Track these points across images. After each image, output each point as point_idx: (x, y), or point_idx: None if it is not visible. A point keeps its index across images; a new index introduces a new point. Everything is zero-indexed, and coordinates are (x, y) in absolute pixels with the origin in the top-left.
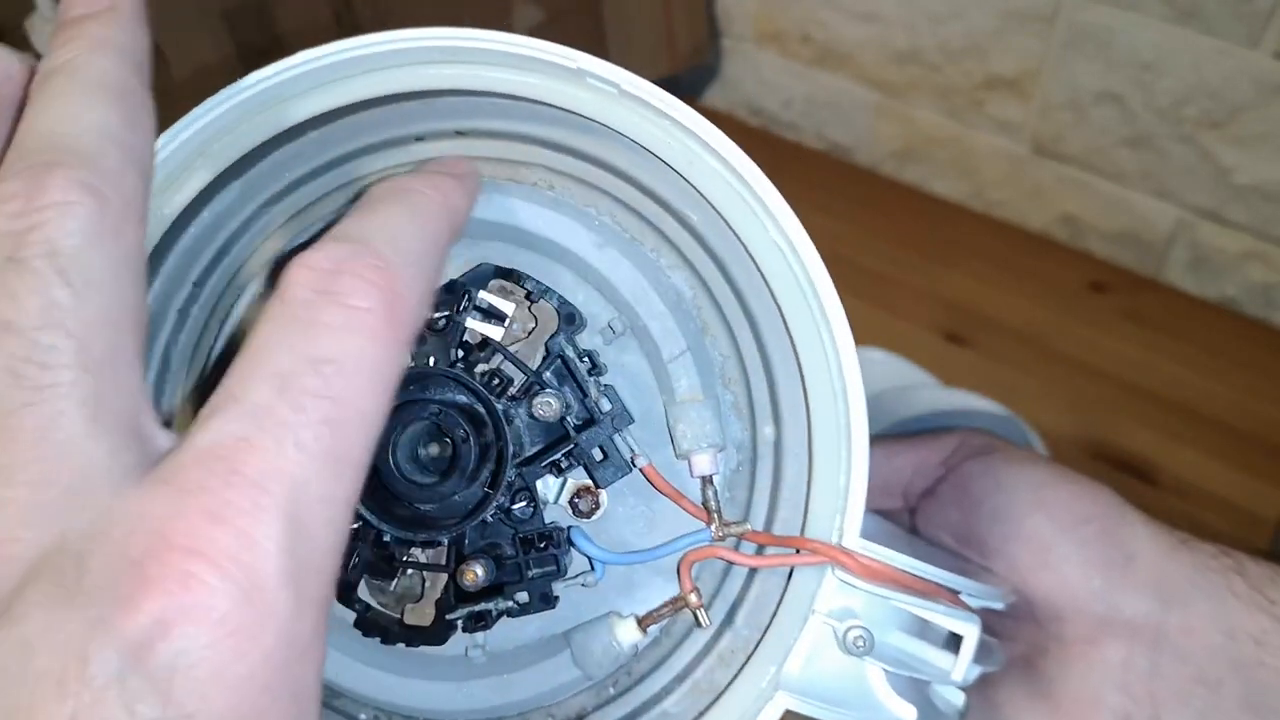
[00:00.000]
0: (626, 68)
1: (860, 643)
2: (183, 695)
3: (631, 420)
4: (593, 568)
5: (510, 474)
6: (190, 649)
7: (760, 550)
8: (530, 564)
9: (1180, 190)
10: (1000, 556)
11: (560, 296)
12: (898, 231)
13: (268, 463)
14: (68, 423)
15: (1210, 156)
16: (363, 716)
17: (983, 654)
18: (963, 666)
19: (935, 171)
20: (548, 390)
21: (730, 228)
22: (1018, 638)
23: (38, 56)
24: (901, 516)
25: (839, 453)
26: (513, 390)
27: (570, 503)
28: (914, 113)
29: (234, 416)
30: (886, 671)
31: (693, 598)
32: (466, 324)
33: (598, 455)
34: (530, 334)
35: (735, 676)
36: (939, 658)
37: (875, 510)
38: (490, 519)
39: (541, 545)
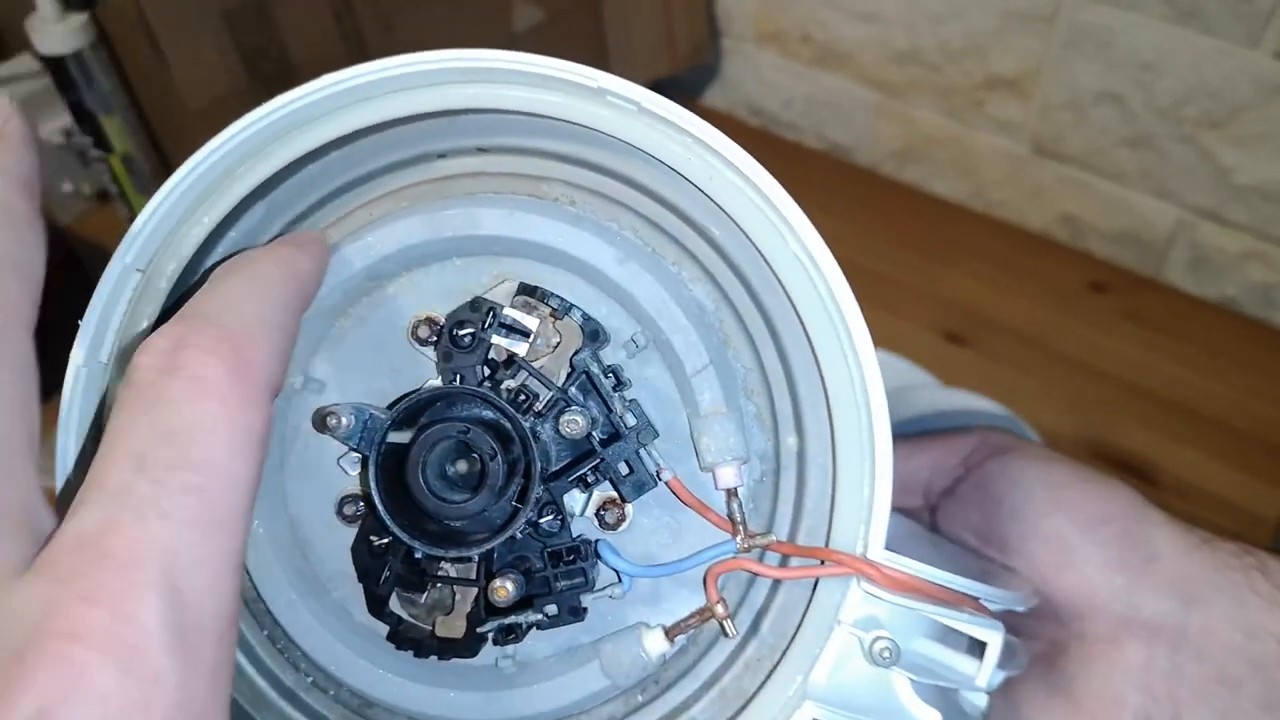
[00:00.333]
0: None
1: (886, 654)
2: None
3: (656, 434)
4: (620, 580)
5: (538, 489)
6: None
7: (785, 561)
8: (559, 577)
9: (1180, 190)
10: (1021, 556)
11: (584, 312)
12: (898, 231)
13: (135, 540)
14: None
15: (1210, 156)
16: None
17: (1006, 658)
18: (987, 673)
19: (935, 171)
20: (574, 407)
21: (750, 241)
22: (1039, 636)
23: (38, 57)
24: (922, 514)
25: (863, 464)
26: (538, 406)
27: (596, 515)
28: (914, 113)
29: (99, 502)
30: (912, 680)
31: (719, 609)
32: (492, 340)
33: (623, 469)
34: (555, 349)
35: (762, 685)
36: (964, 664)
37: (896, 509)
38: (519, 534)
39: (569, 559)
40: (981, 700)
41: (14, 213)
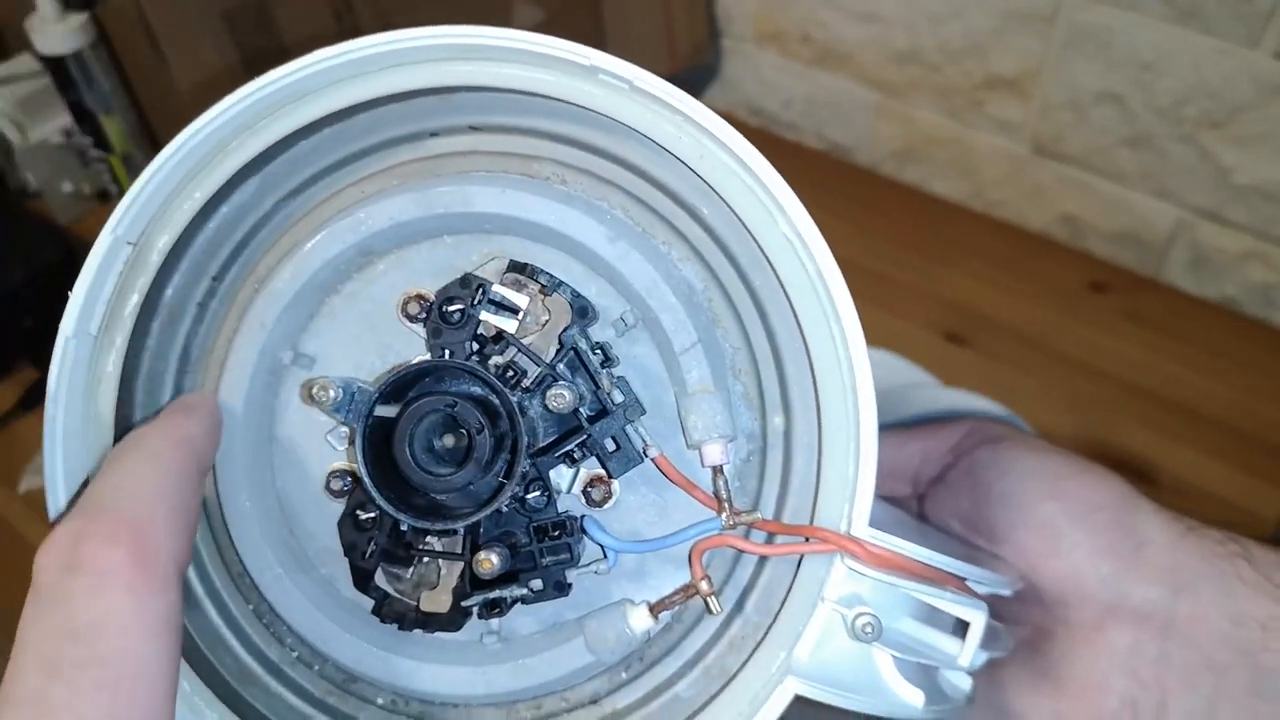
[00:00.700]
0: None
1: (869, 629)
2: None
3: (643, 411)
4: (605, 556)
5: (525, 464)
6: None
7: (770, 539)
8: (544, 552)
9: (1180, 190)
10: (1009, 543)
11: (573, 290)
12: (898, 231)
13: None
14: None
15: (1210, 156)
16: (380, 700)
17: (990, 640)
18: (969, 652)
19: (935, 171)
20: (561, 382)
21: (741, 221)
22: (1025, 623)
23: (38, 56)
24: (909, 503)
25: (848, 443)
26: (526, 382)
27: (583, 492)
28: (914, 113)
29: (14, 715)
30: (895, 657)
31: (704, 585)
32: (481, 317)
33: (610, 446)
34: (544, 327)
35: (746, 662)
36: (947, 644)
37: (884, 497)
38: (505, 508)
39: (555, 534)
40: (965, 683)
41: (192, 514)
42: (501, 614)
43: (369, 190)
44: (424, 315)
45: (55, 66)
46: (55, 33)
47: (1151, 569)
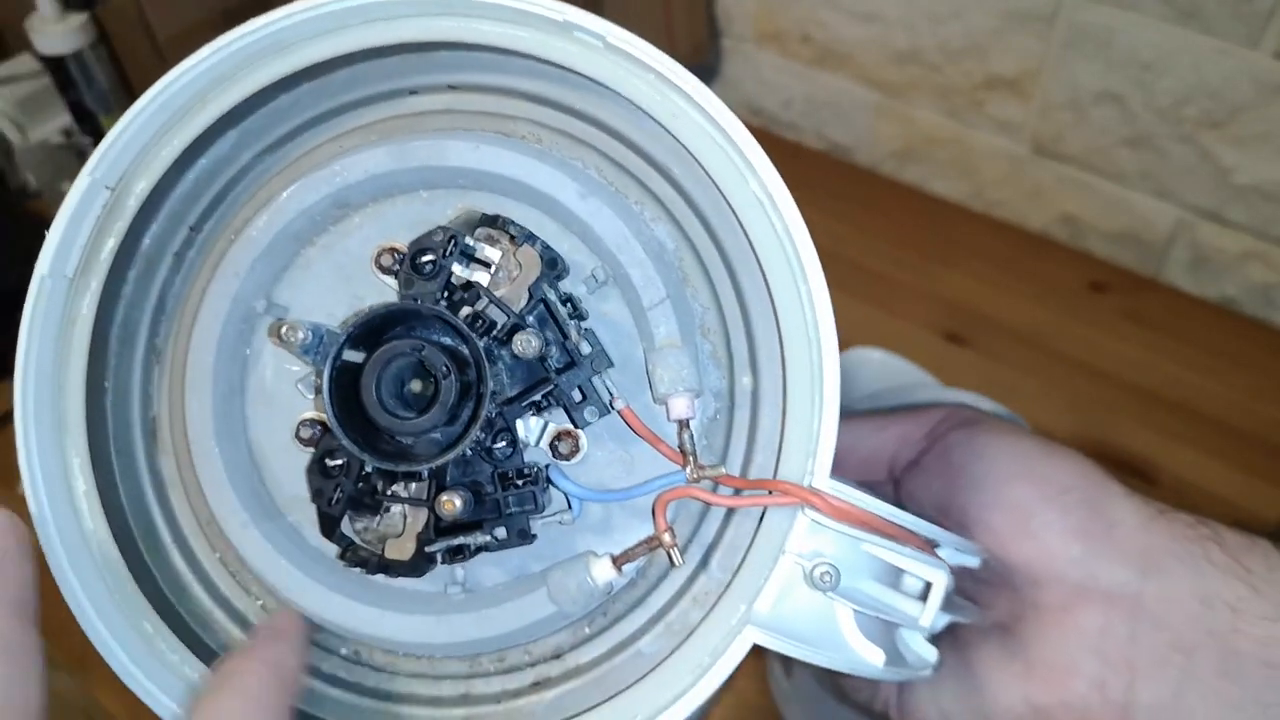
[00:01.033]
0: None
1: (826, 578)
2: None
3: (611, 364)
4: (570, 505)
5: (491, 411)
6: None
7: (735, 494)
8: (509, 501)
9: (1180, 190)
10: (980, 525)
11: (544, 242)
12: (898, 231)
13: None
14: None
15: (1210, 156)
16: (344, 650)
17: (952, 604)
18: (931, 612)
19: (935, 171)
20: (528, 329)
21: (711, 179)
22: (995, 606)
23: (38, 56)
24: (886, 489)
25: (812, 398)
26: (496, 332)
27: (551, 445)
28: (914, 113)
29: None
30: (857, 614)
31: (666, 537)
32: (453, 269)
33: (577, 397)
34: (515, 280)
35: (707, 615)
36: (908, 604)
37: (861, 483)
38: (469, 453)
39: (520, 482)
40: (930, 654)
41: (14, 649)
42: (464, 559)
43: (347, 146)
44: (397, 267)
45: (55, 66)
46: (55, 33)
47: (1122, 550)
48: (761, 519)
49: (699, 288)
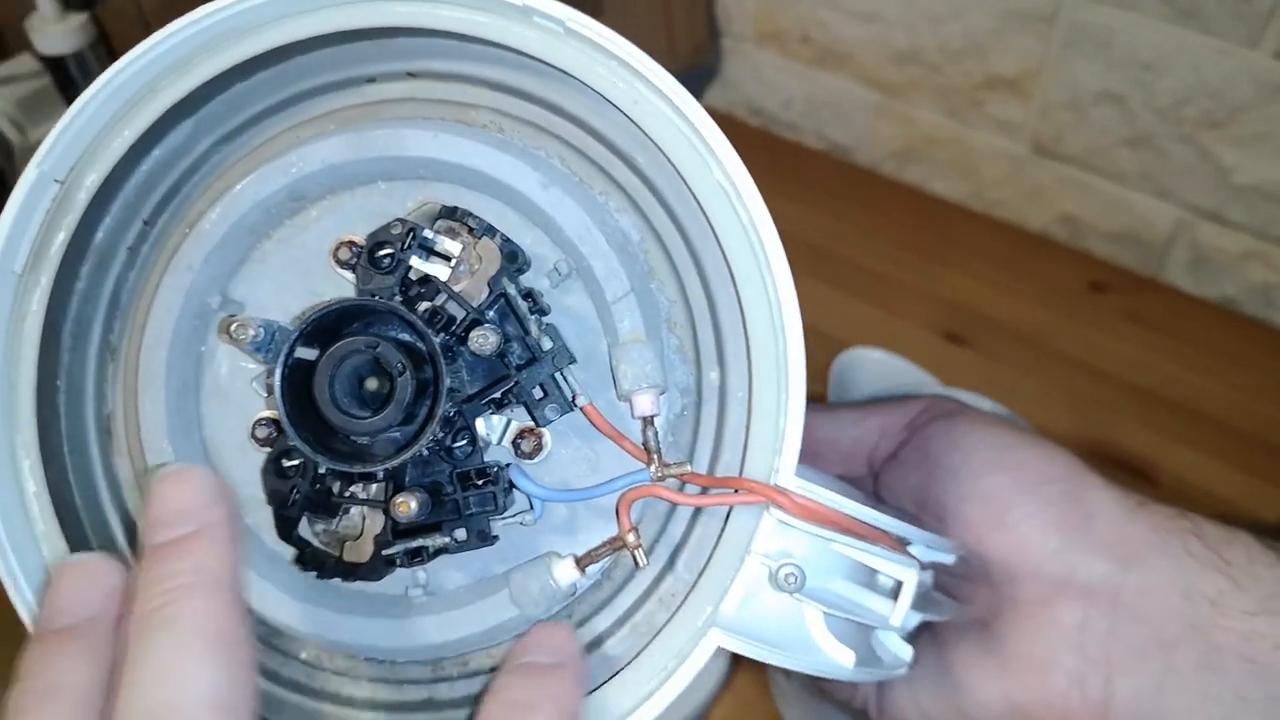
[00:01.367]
0: None
1: (791, 579)
2: None
3: (573, 359)
4: (532, 506)
5: (449, 409)
6: None
7: (703, 494)
8: (469, 502)
9: (1180, 190)
10: (958, 517)
11: (504, 235)
12: (898, 231)
13: None
14: None
15: (1210, 156)
16: (304, 655)
17: (925, 603)
18: (901, 611)
19: (935, 171)
20: (486, 325)
21: (675, 168)
22: (973, 601)
23: (38, 56)
24: (865, 483)
25: (777, 394)
26: (454, 328)
27: (513, 444)
28: (914, 113)
29: None
30: (826, 615)
31: (630, 537)
32: (411, 263)
33: (538, 394)
34: (475, 274)
35: (672, 617)
36: (879, 604)
37: (842, 477)
38: (428, 453)
39: (480, 482)
40: (905, 652)
41: (232, 646)
42: (423, 562)
43: (304, 135)
44: (355, 261)
45: (55, 66)
46: (55, 33)
47: (1101, 542)
48: (727, 519)
49: (665, 280)
